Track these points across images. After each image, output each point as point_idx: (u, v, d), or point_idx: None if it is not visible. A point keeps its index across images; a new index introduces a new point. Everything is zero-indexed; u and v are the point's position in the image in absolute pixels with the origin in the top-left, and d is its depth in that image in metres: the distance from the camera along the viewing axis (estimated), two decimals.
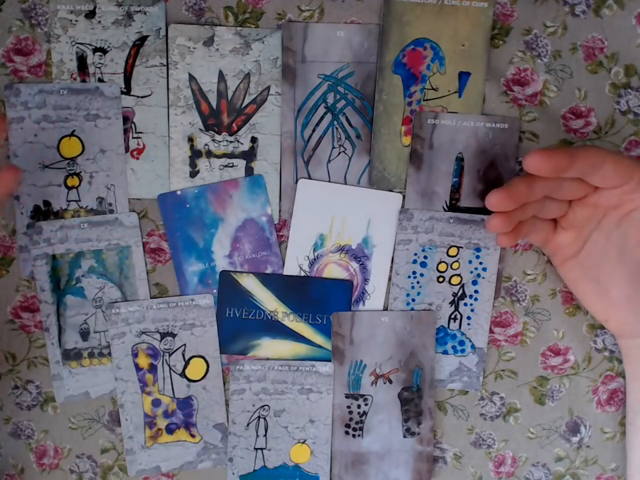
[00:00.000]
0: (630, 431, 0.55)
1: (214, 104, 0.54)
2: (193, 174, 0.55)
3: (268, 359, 0.56)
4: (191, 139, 0.55)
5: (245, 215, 0.55)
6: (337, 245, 0.56)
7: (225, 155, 0.55)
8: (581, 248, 0.51)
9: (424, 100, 0.55)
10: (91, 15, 0.53)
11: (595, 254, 0.50)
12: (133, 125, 0.54)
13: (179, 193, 0.55)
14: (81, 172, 0.54)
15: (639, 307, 0.50)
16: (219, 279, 0.55)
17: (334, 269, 0.56)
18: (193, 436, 0.56)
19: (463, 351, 0.56)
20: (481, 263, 0.55)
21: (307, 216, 0.55)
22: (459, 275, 0.56)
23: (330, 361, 0.56)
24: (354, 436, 0.56)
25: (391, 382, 0.56)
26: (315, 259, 0.56)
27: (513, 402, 0.57)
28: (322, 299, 0.56)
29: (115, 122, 0.54)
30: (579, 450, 0.58)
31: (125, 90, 0.54)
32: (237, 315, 0.56)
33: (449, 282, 0.56)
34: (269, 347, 0.56)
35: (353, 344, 0.55)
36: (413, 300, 0.56)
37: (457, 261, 0.56)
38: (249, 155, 0.55)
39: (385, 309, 0.56)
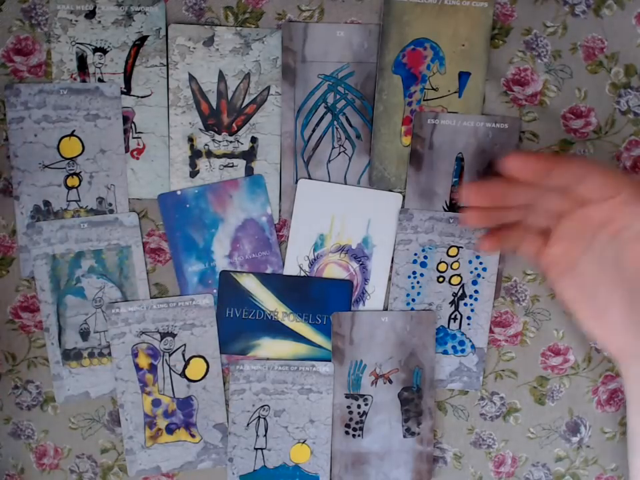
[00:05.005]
0: (631, 460, 0.52)
1: (214, 104, 0.54)
2: (193, 174, 0.55)
3: (268, 359, 0.56)
4: (190, 139, 0.55)
5: (245, 215, 0.55)
6: (337, 245, 0.56)
7: (225, 155, 0.55)
8: (574, 264, 0.50)
9: (424, 100, 0.55)
10: (91, 14, 0.53)
11: (590, 274, 0.49)
12: (132, 125, 0.54)
13: (179, 192, 0.55)
14: (81, 172, 0.54)
15: (637, 327, 0.49)
16: (219, 279, 0.55)
17: (334, 269, 0.56)
18: (193, 436, 0.56)
19: (463, 350, 0.56)
20: (481, 263, 0.55)
21: (307, 216, 0.55)
22: (459, 275, 0.56)
23: (330, 360, 0.56)
24: (354, 436, 0.56)
25: (390, 382, 0.56)
26: (315, 259, 0.56)
27: (513, 402, 0.57)
28: (322, 299, 0.56)
29: (114, 122, 0.54)
30: (579, 450, 0.58)
31: (125, 90, 0.54)
32: (237, 315, 0.56)
33: (449, 282, 0.56)
34: (269, 346, 0.56)
35: (352, 344, 0.55)
36: (413, 300, 0.56)
37: (457, 261, 0.56)
38: (249, 155, 0.55)
39: (385, 309, 0.56)
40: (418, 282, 0.56)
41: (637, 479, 0.53)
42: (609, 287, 0.49)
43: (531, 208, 0.49)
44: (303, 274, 0.56)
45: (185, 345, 0.55)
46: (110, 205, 0.55)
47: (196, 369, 0.56)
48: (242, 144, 0.55)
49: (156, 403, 0.56)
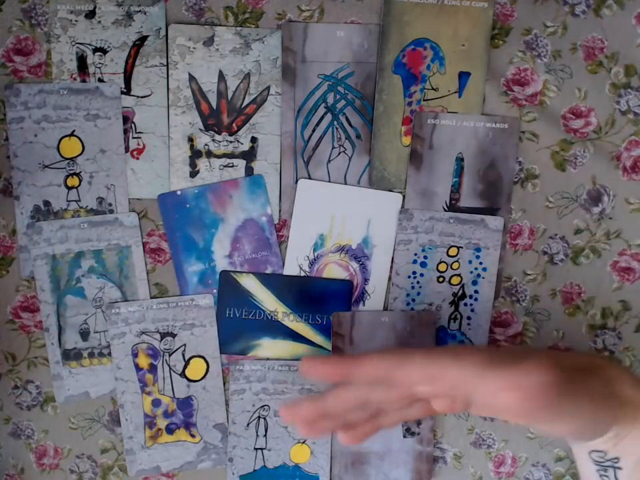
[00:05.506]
0: None
1: (214, 104, 0.54)
2: (193, 174, 0.55)
3: (268, 359, 0.56)
4: (191, 139, 0.55)
5: (245, 215, 0.55)
6: (337, 245, 0.56)
7: (225, 155, 0.55)
8: (466, 402, 0.42)
9: (424, 100, 0.55)
10: (91, 14, 0.53)
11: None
12: (132, 125, 0.54)
13: (179, 192, 0.55)
14: (81, 172, 0.54)
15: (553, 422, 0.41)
16: (219, 279, 0.55)
17: (334, 269, 0.56)
18: (193, 436, 0.56)
19: None
20: (481, 263, 0.55)
21: (307, 216, 0.55)
22: (459, 275, 0.56)
23: None
24: None
25: None
26: (314, 259, 0.56)
27: None
28: (322, 299, 0.56)
29: (114, 122, 0.54)
30: None
31: (125, 90, 0.54)
32: (237, 315, 0.56)
33: (449, 282, 0.56)
34: (269, 346, 0.56)
35: (352, 344, 0.55)
36: (413, 300, 0.56)
37: (457, 261, 0.56)
38: (249, 155, 0.55)
39: (385, 309, 0.56)
40: (418, 282, 0.56)
41: None
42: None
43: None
44: (303, 274, 0.56)
45: (185, 345, 0.55)
46: (110, 205, 0.55)
47: (196, 368, 0.56)
48: (242, 144, 0.55)
49: (156, 402, 0.56)
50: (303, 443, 0.56)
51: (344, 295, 0.56)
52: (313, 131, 0.55)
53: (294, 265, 0.56)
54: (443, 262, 0.56)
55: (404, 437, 0.56)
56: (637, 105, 0.55)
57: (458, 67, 0.54)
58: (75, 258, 0.55)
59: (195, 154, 0.55)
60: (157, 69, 0.54)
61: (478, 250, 0.55)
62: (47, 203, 0.54)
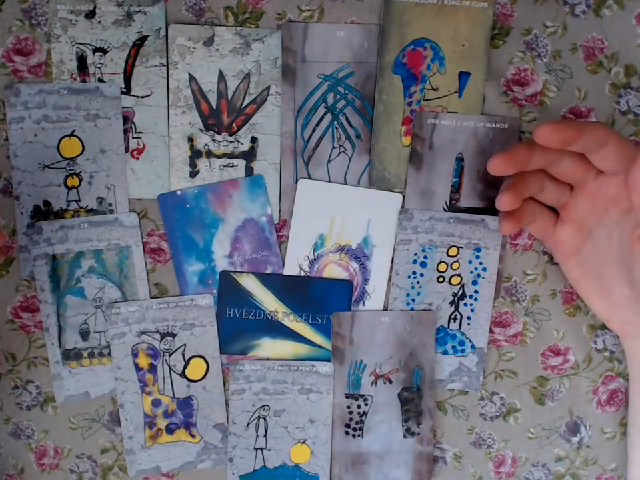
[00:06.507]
0: (632, 433, 0.54)
1: (214, 104, 0.54)
2: (193, 174, 0.55)
3: (268, 359, 0.56)
4: (191, 139, 0.55)
5: (245, 215, 0.55)
6: (337, 245, 0.56)
7: (225, 155, 0.55)
8: (581, 245, 0.51)
9: (424, 100, 0.55)
10: (91, 14, 0.53)
11: (597, 253, 0.50)
12: (132, 125, 0.54)
13: (178, 192, 0.55)
14: (81, 172, 0.54)
15: None
16: (219, 279, 0.55)
17: (334, 269, 0.56)
18: (193, 436, 0.56)
19: (462, 351, 0.56)
20: (480, 263, 0.56)
21: (307, 216, 0.55)
22: (458, 275, 0.56)
23: (330, 360, 0.56)
24: (354, 436, 0.56)
25: (390, 382, 0.56)
26: (314, 259, 0.56)
27: (513, 402, 0.57)
28: (322, 299, 0.56)
29: (114, 122, 0.54)
30: (579, 450, 0.58)
31: (125, 90, 0.54)
32: (237, 315, 0.56)
33: (449, 282, 0.56)
34: (269, 346, 0.56)
35: (352, 344, 0.55)
36: (413, 300, 0.56)
37: (456, 261, 0.56)
38: (249, 155, 0.55)
39: (385, 309, 0.56)
40: (418, 282, 0.56)
41: (636, 477, 0.53)
42: (614, 266, 0.50)
43: (545, 181, 0.50)
44: (303, 274, 0.56)
45: (184, 345, 0.55)
46: (110, 205, 0.55)
47: (196, 368, 0.56)
48: (242, 144, 0.55)
49: (156, 402, 0.56)
50: (303, 443, 0.56)
51: (344, 294, 0.56)
52: (313, 130, 0.55)
53: (294, 264, 0.56)
54: (443, 262, 0.56)
55: (404, 437, 0.56)
56: (637, 105, 0.55)
57: (458, 67, 0.54)
58: (75, 258, 0.55)
59: (195, 154, 0.55)
60: (157, 69, 0.54)
61: (478, 250, 0.55)
62: (47, 203, 0.54)
